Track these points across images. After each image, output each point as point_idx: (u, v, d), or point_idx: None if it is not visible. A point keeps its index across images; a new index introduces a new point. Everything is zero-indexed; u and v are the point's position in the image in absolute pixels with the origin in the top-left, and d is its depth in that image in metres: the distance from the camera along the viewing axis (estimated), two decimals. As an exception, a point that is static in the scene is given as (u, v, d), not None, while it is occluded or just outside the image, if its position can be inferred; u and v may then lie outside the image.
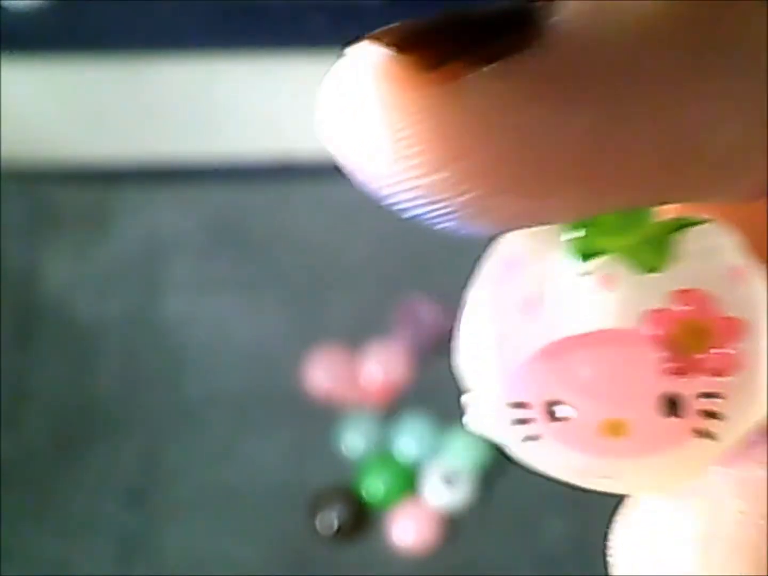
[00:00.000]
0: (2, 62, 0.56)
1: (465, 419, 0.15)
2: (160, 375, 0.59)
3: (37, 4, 0.56)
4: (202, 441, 0.58)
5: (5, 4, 0.56)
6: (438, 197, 0.12)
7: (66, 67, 0.58)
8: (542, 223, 0.14)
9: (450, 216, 0.12)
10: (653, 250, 0.14)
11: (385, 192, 0.12)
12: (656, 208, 0.14)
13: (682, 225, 0.15)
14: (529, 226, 0.14)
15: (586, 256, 0.14)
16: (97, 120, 0.61)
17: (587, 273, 0.14)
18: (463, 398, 0.15)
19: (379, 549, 0.56)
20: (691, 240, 0.15)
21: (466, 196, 0.12)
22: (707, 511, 0.14)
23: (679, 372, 0.14)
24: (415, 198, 0.12)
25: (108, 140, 0.61)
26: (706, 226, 0.15)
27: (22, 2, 0.56)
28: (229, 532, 0.57)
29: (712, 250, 0.15)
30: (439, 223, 0.13)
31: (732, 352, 0.14)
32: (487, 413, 0.15)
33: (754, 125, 0.12)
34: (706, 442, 0.15)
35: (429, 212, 0.12)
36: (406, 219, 0.13)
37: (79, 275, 0.61)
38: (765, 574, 0.13)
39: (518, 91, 0.12)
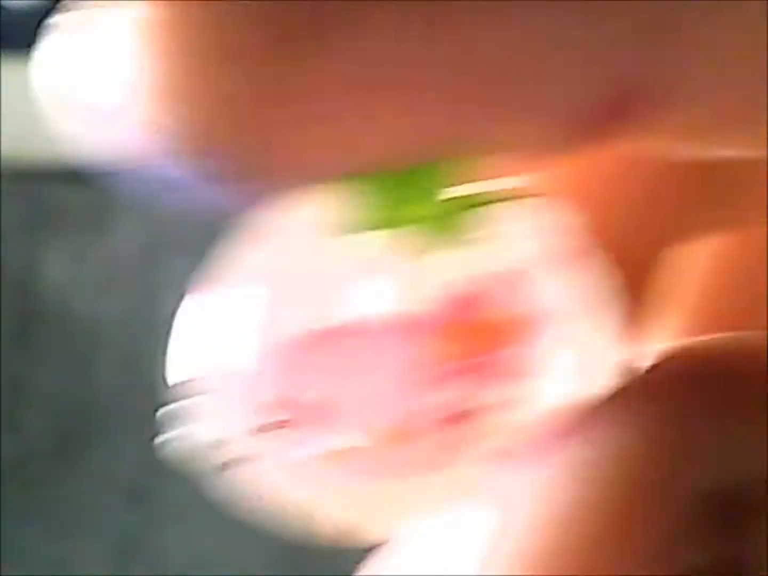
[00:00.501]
0: (2, 62, 0.56)
1: (171, 435, 0.12)
2: (160, 375, 0.59)
3: (37, 4, 0.56)
4: (202, 441, 0.58)
5: (5, 4, 0.55)
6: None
7: (66, 67, 0.58)
8: (310, 180, 0.11)
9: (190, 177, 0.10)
10: (452, 224, 0.12)
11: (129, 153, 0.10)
12: (463, 178, 0.12)
13: (491, 196, 0.12)
14: (297, 184, 0.11)
15: (366, 227, 0.12)
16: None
17: (364, 247, 0.12)
18: (177, 406, 0.12)
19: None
20: (501, 214, 0.12)
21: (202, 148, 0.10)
22: (495, 516, 0.12)
23: (466, 375, 0.12)
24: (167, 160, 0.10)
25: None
26: (522, 197, 0.12)
27: (22, 2, 0.56)
28: (229, 532, 0.57)
29: (522, 228, 0.12)
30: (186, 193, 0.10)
31: (523, 353, 0.12)
32: (214, 426, 0.12)
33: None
34: (484, 457, 0.12)
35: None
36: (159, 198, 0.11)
37: (79, 275, 0.61)
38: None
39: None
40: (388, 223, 0.12)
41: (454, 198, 0.12)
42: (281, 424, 0.12)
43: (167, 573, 0.56)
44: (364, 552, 0.13)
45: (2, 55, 0.56)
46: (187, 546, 0.57)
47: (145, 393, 0.63)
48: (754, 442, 0.11)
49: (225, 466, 0.12)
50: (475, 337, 0.12)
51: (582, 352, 0.12)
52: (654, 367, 0.12)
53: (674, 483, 0.11)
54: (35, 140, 0.61)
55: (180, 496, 0.57)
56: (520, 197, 0.12)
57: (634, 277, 0.15)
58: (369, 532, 0.13)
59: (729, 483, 0.11)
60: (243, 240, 0.12)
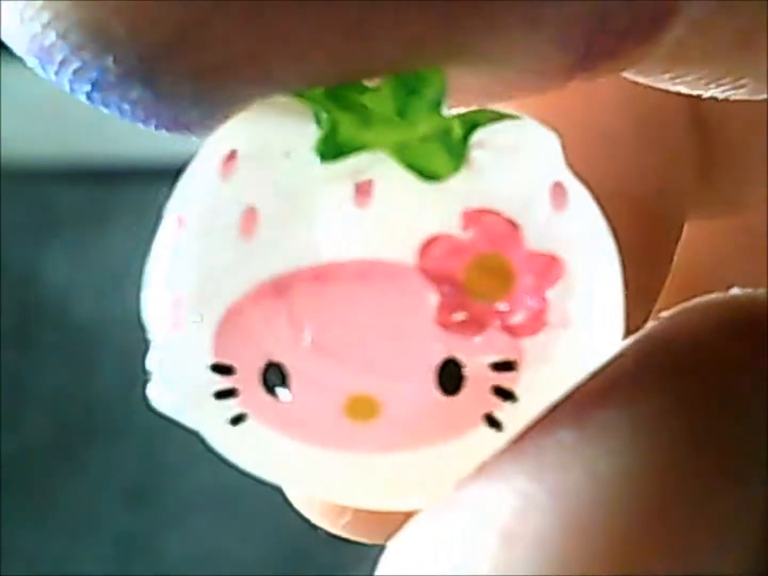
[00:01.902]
0: (2, 62, 0.56)
1: (148, 391, 0.11)
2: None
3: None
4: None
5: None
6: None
7: (66, 67, 0.58)
8: (264, 91, 0.10)
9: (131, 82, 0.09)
10: (436, 150, 0.10)
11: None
12: (447, 101, 0.10)
13: (481, 120, 0.10)
14: (247, 98, 0.10)
15: (335, 153, 0.10)
16: (97, 120, 0.61)
17: (337, 178, 0.10)
18: (148, 360, 0.11)
19: (378, 549, 0.55)
20: (495, 142, 0.10)
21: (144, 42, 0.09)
22: (523, 488, 0.10)
23: (466, 328, 0.10)
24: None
25: (108, 140, 0.61)
26: (518, 123, 0.10)
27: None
28: (229, 532, 0.57)
29: (522, 158, 0.10)
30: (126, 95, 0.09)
31: (538, 302, 0.10)
32: (180, 383, 0.10)
33: None
34: (491, 433, 0.10)
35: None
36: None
37: (79, 275, 0.61)
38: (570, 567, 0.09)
39: None
40: (362, 147, 0.10)
41: (444, 118, 0.10)
42: (228, 392, 0.10)
43: (167, 573, 0.56)
44: (363, 552, 0.12)
45: (3, 56, 0.56)
46: (187, 546, 0.57)
47: (146, 393, 0.63)
48: None
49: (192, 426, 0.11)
50: (477, 282, 0.10)
51: (598, 299, 0.10)
52: (694, 317, 0.10)
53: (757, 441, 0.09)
54: (35, 140, 0.61)
55: (180, 496, 0.57)
56: (516, 120, 0.10)
57: (642, 219, 0.14)
58: (370, 507, 0.11)
59: None
60: (208, 171, 0.10)
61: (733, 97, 0.12)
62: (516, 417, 0.10)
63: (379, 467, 0.10)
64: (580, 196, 0.10)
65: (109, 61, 0.09)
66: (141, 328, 0.10)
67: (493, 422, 0.10)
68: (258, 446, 0.10)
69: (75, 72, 0.09)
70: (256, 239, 0.10)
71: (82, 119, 0.61)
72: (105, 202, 0.62)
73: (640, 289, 0.14)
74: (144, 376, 0.11)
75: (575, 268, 0.10)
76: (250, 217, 0.10)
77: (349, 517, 0.14)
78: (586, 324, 0.10)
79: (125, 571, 0.57)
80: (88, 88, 0.10)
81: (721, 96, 0.11)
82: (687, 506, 0.09)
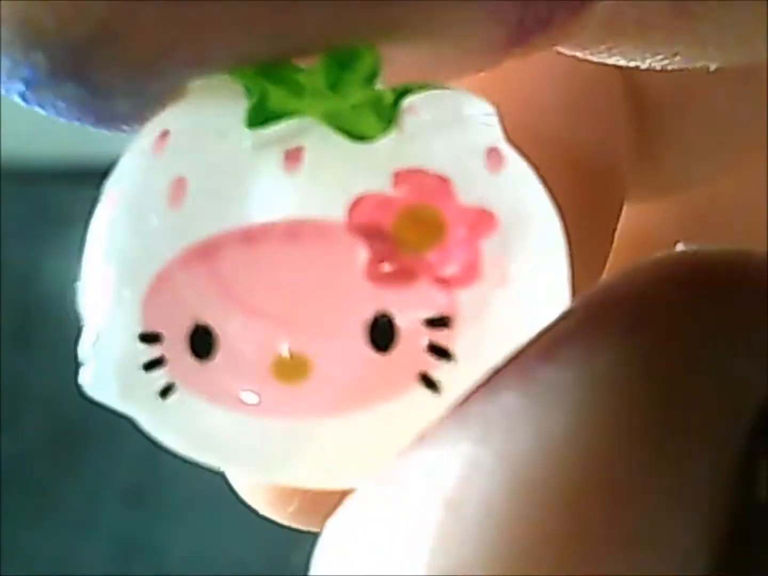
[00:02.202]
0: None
1: (80, 378, 0.11)
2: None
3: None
4: (202, 441, 0.58)
5: (5, 4, 0.55)
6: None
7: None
8: (198, 73, 0.10)
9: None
10: (366, 114, 0.10)
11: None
12: (381, 75, 0.10)
13: (414, 88, 0.10)
14: (182, 82, 0.10)
15: (264, 119, 0.10)
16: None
17: (266, 146, 0.10)
18: (80, 347, 0.11)
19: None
20: (430, 109, 0.10)
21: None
22: (467, 453, 0.09)
23: (396, 279, 0.10)
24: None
25: (108, 140, 0.61)
26: (450, 92, 0.10)
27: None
28: (229, 532, 0.57)
29: (454, 122, 0.10)
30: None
31: (470, 252, 0.10)
32: (111, 360, 0.10)
33: None
34: (428, 396, 0.10)
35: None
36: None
37: (80, 275, 0.61)
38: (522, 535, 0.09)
39: None
40: (291, 113, 0.10)
41: (376, 89, 0.10)
42: (157, 362, 0.10)
43: (167, 573, 0.56)
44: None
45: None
46: (187, 546, 0.57)
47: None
48: None
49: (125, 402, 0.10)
50: (407, 233, 0.10)
51: (539, 259, 0.10)
52: (641, 273, 0.10)
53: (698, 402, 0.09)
54: (35, 140, 0.61)
55: (180, 496, 0.57)
56: (451, 90, 0.10)
57: (580, 187, 0.14)
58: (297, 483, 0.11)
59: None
60: (141, 150, 0.10)
61: (669, 67, 0.11)
62: (455, 379, 0.10)
63: (313, 435, 0.10)
64: (517, 162, 0.10)
65: (39, 57, 0.09)
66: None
67: (429, 382, 0.10)
68: (189, 421, 0.10)
69: (7, 72, 0.09)
70: (185, 208, 0.10)
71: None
72: (105, 202, 0.62)
73: (583, 255, 0.14)
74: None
75: (511, 225, 0.10)
76: (178, 186, 0.10)
77: (297, 504, 0.14)
78: (527, 284, 0.10)
79: (125, 571, 0.57)
80: (21, 88, 0.10)
81: (658, 66, 0.11)
82: (638, 462, 0.09)
